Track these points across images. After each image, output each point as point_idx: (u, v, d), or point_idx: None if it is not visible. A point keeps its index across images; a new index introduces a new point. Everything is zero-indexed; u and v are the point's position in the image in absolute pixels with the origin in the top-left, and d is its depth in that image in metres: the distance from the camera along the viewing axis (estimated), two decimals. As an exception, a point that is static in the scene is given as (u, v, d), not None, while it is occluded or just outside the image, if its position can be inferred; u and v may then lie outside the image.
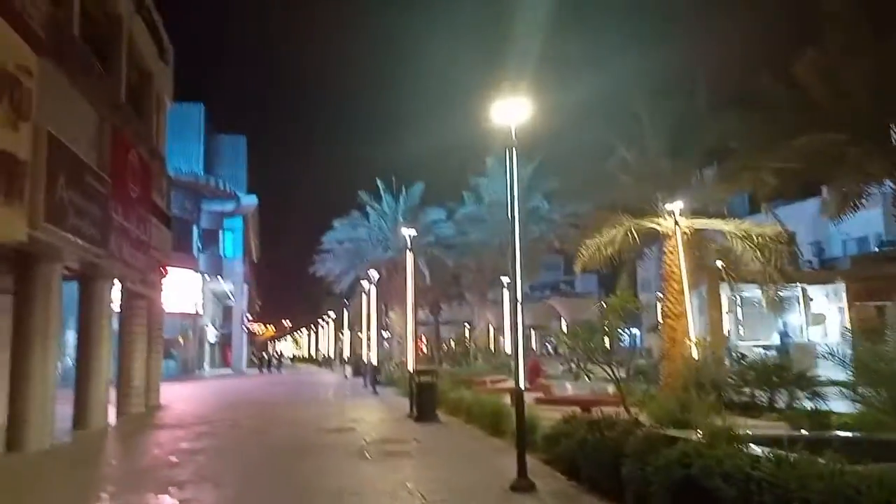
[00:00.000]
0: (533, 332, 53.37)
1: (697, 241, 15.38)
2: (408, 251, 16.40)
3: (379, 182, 31.83)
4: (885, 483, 4.28)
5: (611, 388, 17.34)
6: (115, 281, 14.43)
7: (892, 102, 8.51)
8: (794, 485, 4.59)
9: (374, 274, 27.42)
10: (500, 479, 7.65)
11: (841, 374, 9.86)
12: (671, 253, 15.31)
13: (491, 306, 39.23)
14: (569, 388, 17.30)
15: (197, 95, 47.53)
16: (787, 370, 12.66)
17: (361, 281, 33.46)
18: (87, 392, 13.61)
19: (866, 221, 36.39)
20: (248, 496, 7.56)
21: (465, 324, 72.12)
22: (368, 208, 32.07)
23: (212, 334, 54.31)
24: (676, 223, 14.63)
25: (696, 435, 6.38)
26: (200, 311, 44.76)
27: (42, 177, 8.98)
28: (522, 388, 7.70)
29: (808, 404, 12.02)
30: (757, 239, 14.29)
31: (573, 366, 10.13)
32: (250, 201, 49.76)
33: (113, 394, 17.30)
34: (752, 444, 6.03)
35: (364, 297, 33.38)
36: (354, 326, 50.16)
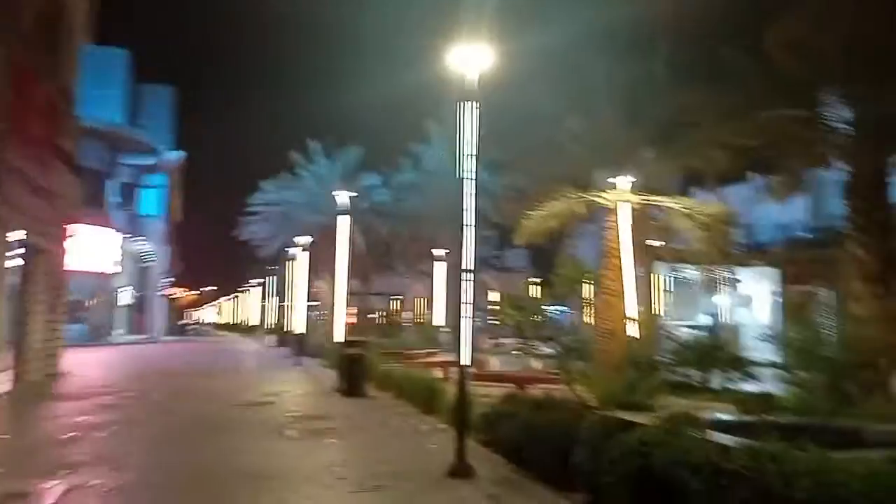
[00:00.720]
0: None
1: (640, 217, 15.09)
2: (344, 215, 15.43)
3: (313, 143, 30.31)
4: (880, 479, 3.85)
5: (538, 365, 17.21)
6: (11, 233, 12.86)
7: (862, 79, 8.28)
8: (777, 480, 4.11)
9: (306, 239, 26.20)
10: (436, 463, 7.01)
11: (769, 357, 9.84)
12: (613, 229, 14.97)
13: (422, 278, 38.63)
14: (497, 364, 16.86)
15: (122, 41, 43.92)
16: (722, 351, 12.57)
17: (290, 248, 32.12)
18: (-27, 356, 12.12)
19: (791, 208, 37.86)
20: (149, 480, 6.61)
21: (396, 296, 71.78)
22: (301, 170, 30.57)
23: (126, 297, 51.48)
24: (624, 199, 14.26)
25: (653, 419, 5.90)
26: (112, 271, 42.15)
27: None
28: (467, 363, 7.02)
29: (744, 386, 12.04)
30: (702, 218, 14.10)
31: (519, 341, 9.52)
32: (174, 157, 47.03)
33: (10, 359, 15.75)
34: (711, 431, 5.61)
35: (292, 263, 32.08)
36: (282, 294, 48.63)
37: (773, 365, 10.10)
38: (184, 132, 54.65)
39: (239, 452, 7.73)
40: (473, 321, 7.42)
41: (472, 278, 7.24)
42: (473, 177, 7.34)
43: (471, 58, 6.98)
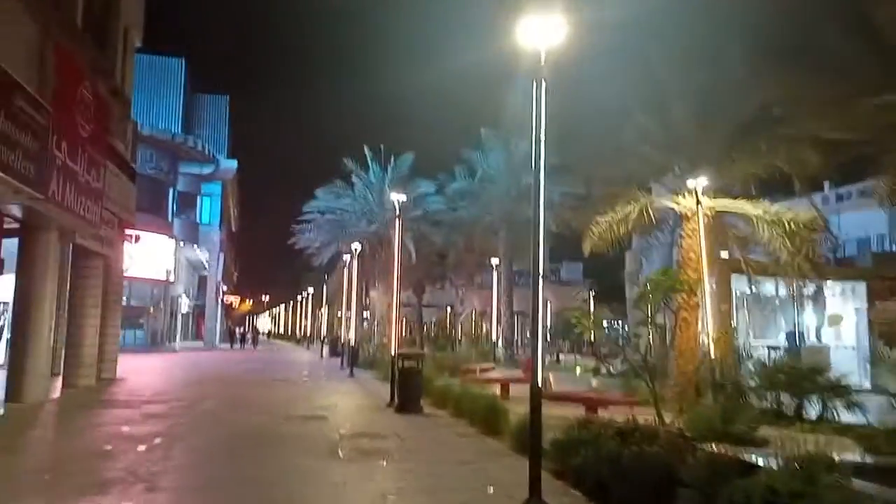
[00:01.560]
0: (516, 319, 52.07)
1: (718, 224, 13.86)
2: (397, 219, 14.70)
3: (367, 150, 29.91)
4: None
5: (597, 383, 15.96)
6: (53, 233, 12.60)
7: None
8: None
9: (356, 246, 25.70)
10: (505, 496, 6.08)
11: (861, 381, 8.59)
12: (689, 237, 13.79)
13: (476, 290, 37.78)
14: (556, 382, 15.80)
15: (178, 52, 44.83)
16: (820, 375, 11.23)
17: (343, 255, 31.77)
18: (24, 360, 11.84)
19: (866, 221, 35.33)
20: (185, 506, 5.92)
21: (448, 307, 70.92)
22: (354, 177, 30.19)
23: (185, 304, 52.25)
24: (699, 202, 13.06)
25: (777, 459, 4.85)
26: (172, 279, 42.72)
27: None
28: (540, 386, 6.07)
29: (846, 415, 10.68)
30: (789, 225, 12.78)
31: (599, 357, 8.46)
32: (230, 165, 47.59)
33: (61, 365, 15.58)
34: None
35: (345, 272, 31.70)
36: (334, 304, 48.46)
37: (890, 393, 8.82)
38: (239, 141, 55.42)
39: (285, 475, 6.99)
40: (541, 335, 6.50)
41: (541, 285, 6.30)
42: (542, 162, 6.41)
43: (541, 30, 6.09)
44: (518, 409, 11.00)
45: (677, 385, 13.77)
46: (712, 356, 12.28)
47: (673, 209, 14.45)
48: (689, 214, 13.86)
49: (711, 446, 5.88)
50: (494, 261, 31.32)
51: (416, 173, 29.87)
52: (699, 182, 13.05)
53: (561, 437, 7.30)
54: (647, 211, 13.54)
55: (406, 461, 8.00)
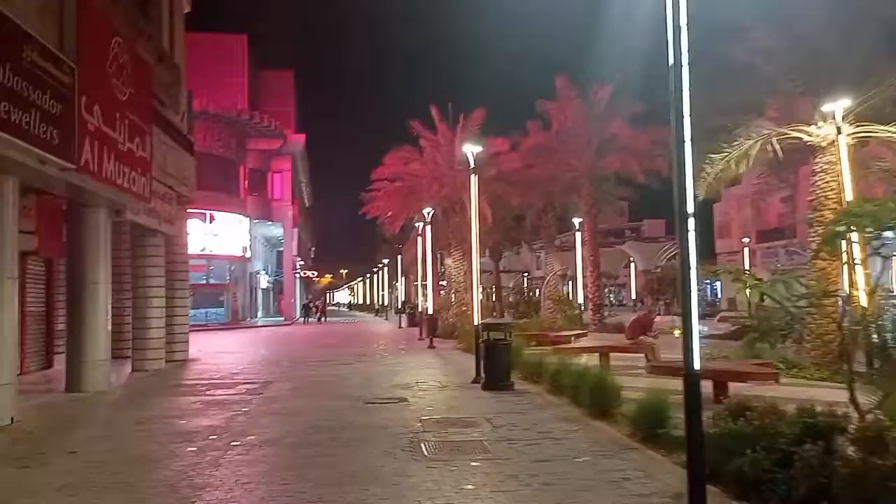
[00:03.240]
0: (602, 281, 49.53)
1: (861, 157, 11.43)
2: (471, 175, 13.02)
3: (433, 109, 28.11)
4: None
5: (709, 352, 13.75)
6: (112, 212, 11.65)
7: None
8: None
9: (428, 210, 24.21)
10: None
11: None
12: (826, 172, 11.45)
13: (558, 252, 35.71)
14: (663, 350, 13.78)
15: (240, 29, 44.31)
16: None
17: (416, 223, 30.39)
18: (80, 348, 11.01)
19: None
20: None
21: (525, 272, 68.85)
22: (422, 140, 28.56)
23: (264, 280, 52.70)
24: (839, 130, 10.70)
25: None
26: (249, 255, 42.79)
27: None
28: (696, 367, 4.29)
29: None
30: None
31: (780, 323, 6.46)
32: (298, 140, 47.04)
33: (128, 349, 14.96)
34: None
35: (418, 240, 30.36)
36: (409, 273, 47.55)
37: None
38: (305, 113, 54.77)
39: (358, 482, 5.57)
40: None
41: (693, 233, 4.49)
42: (686, 59, 4.57)
43: None
44: (630, 385, 9.29)
45: (816, 349, 11.63)
46: (866, 313, 10.03)
47: (800, 140, 12.06)
48: (824, 145, 11.50)
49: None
50: (576, 220, 29.17)
51: (487, 130, 27.84)
52: (839, 105, 10.66)
53: (711, 430, 5.52)
54: (772, 144, 11.26)
55: (505, 458, 6.43)
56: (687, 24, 4.48)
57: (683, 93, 4.52)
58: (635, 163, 25.74)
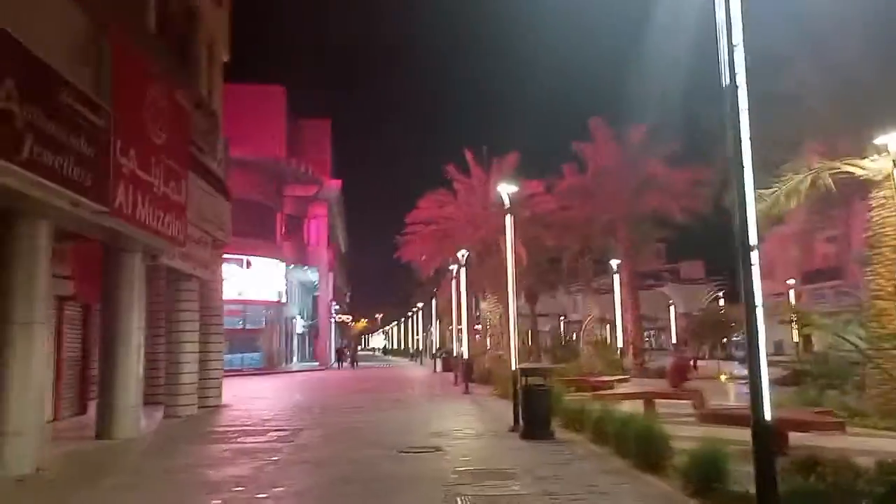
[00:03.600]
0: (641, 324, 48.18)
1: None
2: (507, 215, 12.74)
3: (467, 153, 28.15)
4: None
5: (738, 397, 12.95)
6: (147, 256, 11.66)
7: None
8: None
9: (463, 252, 23.92)
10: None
11: None
12: (883, 207, 10.86)
13: (595, 295, 34.94)
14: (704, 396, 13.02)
15: (278, 80, 45.56)
16: None
17: (450, 267, 30.14)
18: (112, 394, 10.87)
19: None
20: None
21: (561, 316, 67.63)
22: (455, 184, 28.55)
23: (300, 325, 52.77)
24: (895, 163, 10.16)
25: None
26: (285, 300, 42.98)
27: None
28: (767, 417, 3.83)
29: None
30: None
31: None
32: (334, 186, 47.62)
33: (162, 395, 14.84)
34: None
35: (453, 283, 30.04)
36: (444, 317, 47.10)
37: None
38: (342, 160, 55.59)
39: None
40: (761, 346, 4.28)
41: (757, 265, 4.09)
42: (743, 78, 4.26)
43: None
44: (678, 434, 8.68)
45: (881, 395, 10.83)
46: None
47: (850, 175, 11.50)
48: (879, 179, 10.94)
49: None
50: (614, 262, 28.58)
51: (522, 172, 27.70)
52: (893, 137, 10.15)
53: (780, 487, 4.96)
54: (823, 179, 10.75)
55: (549, 518, 5.94)
56: (742, 41, 4.18)
57: (741, 113, 4.20)
58: (673, 202, 25.22)
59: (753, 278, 4.00)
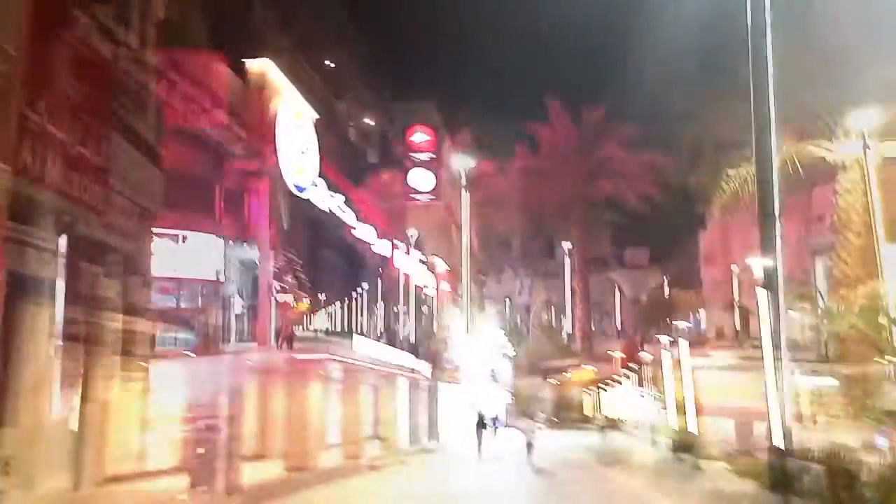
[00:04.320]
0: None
1: (891, 175, 10.63)
2: (462, 190, 11.98)
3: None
4: None
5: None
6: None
7: None
8: None
9: (412, 233, 23.18)
10: None
11: None
12: (849, 192, 10.62)
13: (543, 279, 34.83)
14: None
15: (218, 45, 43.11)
16: None
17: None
18: None
19: None
20: None
21: (507, 298, 67.85)
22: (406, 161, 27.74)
23: (238, 305, 50.75)
24: (866, 145, 9.88)
25: None
26: (222, 279, 41.14)
27: None
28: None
29: None
30: None
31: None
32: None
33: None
34: None
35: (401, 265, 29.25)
36: (390, 299, 46.21)
37: None
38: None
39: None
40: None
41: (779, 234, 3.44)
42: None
43: None
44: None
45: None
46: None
47: (817, 158, 11.24)
48: (846, 164, 10.68)
49: None
50: (566, 244, 28.35)
51: (474, 152, 27.06)
52: (865, 119, 9.85)
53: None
54: (792, 161, 10.42)
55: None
56: None
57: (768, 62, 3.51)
58: (625, 186, 25.07)
59: (777, 251, 3.36)
